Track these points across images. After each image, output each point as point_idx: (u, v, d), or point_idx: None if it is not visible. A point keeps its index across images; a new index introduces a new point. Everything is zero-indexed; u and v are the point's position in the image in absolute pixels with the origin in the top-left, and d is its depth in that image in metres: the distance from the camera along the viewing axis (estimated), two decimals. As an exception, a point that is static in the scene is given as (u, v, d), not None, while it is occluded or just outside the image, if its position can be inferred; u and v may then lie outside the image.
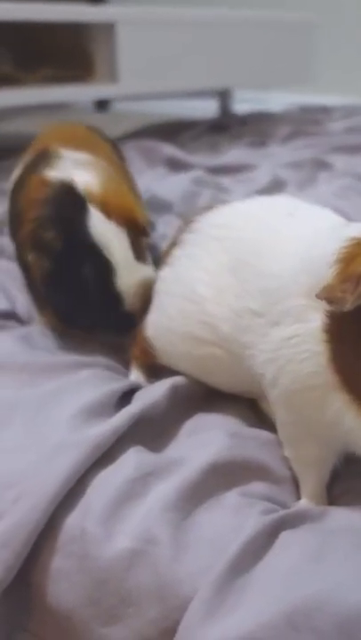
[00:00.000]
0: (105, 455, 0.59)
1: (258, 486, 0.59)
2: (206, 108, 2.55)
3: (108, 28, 1.69)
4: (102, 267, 0.77)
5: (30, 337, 0.82)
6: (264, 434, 0.64)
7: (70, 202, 0.79)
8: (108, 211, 0.78)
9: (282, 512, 0.54)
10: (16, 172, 0.94)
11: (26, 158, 0.93)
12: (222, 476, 0.58)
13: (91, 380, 0.71)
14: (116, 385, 0.70)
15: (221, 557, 0.50)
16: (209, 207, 0.73)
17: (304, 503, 0.58)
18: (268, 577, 0.48)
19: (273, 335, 0.57)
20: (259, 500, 0.56)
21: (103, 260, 0.77)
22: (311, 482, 0.59)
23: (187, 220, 0.74)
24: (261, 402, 0.68)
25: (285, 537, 0.51)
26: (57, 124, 0.99)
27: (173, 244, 0.73)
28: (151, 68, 1.79)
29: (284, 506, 0.57)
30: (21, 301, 0.90)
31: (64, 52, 1.77)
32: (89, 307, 0.78)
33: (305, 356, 0.54)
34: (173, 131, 2.07)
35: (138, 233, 0.80)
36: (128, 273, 0.77)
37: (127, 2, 3.10)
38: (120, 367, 0.77)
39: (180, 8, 2.05)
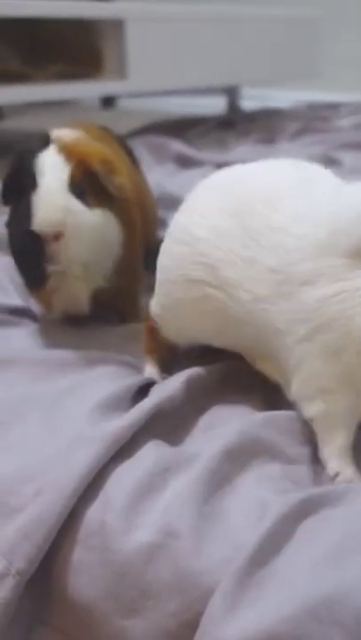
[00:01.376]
0: (123, 449, 0.59)
1: (273, 468, 0.59)
2: (213, 105, 2.55)
3: (117, 25, 1.69)
4: (30, 190, 0.75)
5: (45, 333, 0.82)
6: (277, 417, 0.64)
7: (35, 143, 0.78)
8: (65, 150, 0.77)
9: (302, 496, 0.54)
10: None
11: None
12: (237, 463, 0.58)
13: (106, 375, 0.71)
14: (131, 380, 0.70)
15: (242, 549, 0.50)
16: None
17: (333, 464, 0.59)
18: (289, 569, 0.48)
19: (304, 295, 0.59)
20: (277, 482, 0.57)
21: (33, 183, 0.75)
22: (339, 438, 0.60)
23: None
24: (256, 362, 0.68)
25: (307, 526, 0.51)
26: (70, 123, 0.99)
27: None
28: (160, 64, 1.79)
29: (300, 484, 0.57)
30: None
31: (73, 48, 1.77)
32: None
33: (355, 311, 0.56)
34: (181, 127, 2.07)
35: (96, 179, 0.76)
36: (48, 208, 0.73)
37: (134, -1, 3.09)
38: (135, 362, 0.77)
39: (189, 5, 2.05)
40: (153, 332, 0.74)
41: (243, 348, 0.69)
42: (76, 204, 0.75)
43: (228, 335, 0.68)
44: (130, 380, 0.70)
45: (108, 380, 0.70)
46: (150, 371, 0.74)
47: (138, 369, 0.76)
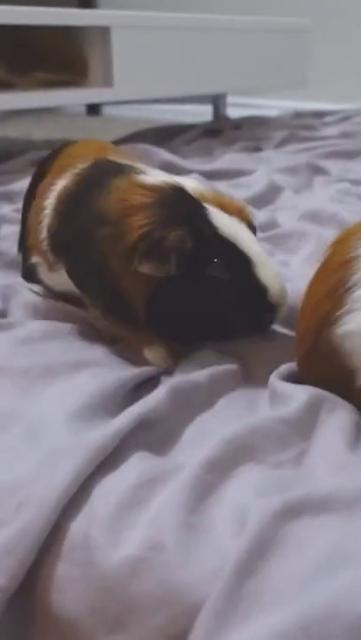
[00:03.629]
0: (107, 460, 0.58)
1: (258, 474, 0.58)
2: (200, 113, 2.55)
3: (102, 33, 1.69)
4: (238, 261, 0.73)
5: (30, 338, 0.80)
6: (262, 422, 0.63)
7: (187, 201, 0.74)
8: (224, 208, 0.75)
9: (284, 498, 0.53)
10: (60, 184, 0.85)
11: (70, 170, 0.85)
12: (221, 472, 0.57)
13: (92, 378, 0.70)
14: (123, 377, 0.69)
15: (229, 559, 0.49)
16: None
17: None
18: (278, 581, 0.47)
19: None
20: (262, 488, 0.56)
21: (238, 254, 0.73)
22: None
23: None
24: None
25: (293, 532, 0.51)
26: (80, 141, 0.97)
27: None
28: (146, 72, 1.79)
29: (285, 488, 0.56)
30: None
31: (58, 56, 1.77)
32: (222, 309, 0.73)
33: None
34: (166, 135, 2.06)
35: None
36: (267, 263, 0.74)
37: (118, 6, 3.09)
38: (127, 364, 0.75)
39: (176, 13, 2.05)
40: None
41: None
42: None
43: None
44: (121, 378, 0.69)
45: (93, 382, 0.69)
46: None
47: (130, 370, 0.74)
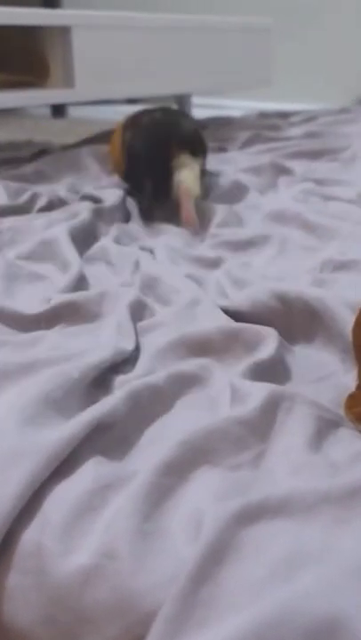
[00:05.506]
0: (61, 465, 0.57)
1: (214, 477, 0.57)
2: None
3: (63, 32, 1.67)
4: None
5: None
6: (219, 423, 0.62)
7: None
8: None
9: (241, 502, 0.52)
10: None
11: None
12: (177, 475, 0.56)
13: (44, 379, 0.68)
14: (78, 377, 0.68)
15: (184, 566, 0.48)
16: None
17: None
18: (234, 587, 0.46)
19: None
20: (218, 491, 0.55)
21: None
22: None
23: None
24: None
25: (250, 536, 0.50)
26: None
27: None
28: (108, 73, 1.78)
29: (242, 490, 0.56)
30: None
31: (18, 56, 1.75)
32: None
33: None
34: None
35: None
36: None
37: (82, 6, 3.06)
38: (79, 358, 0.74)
39: (137, 13, 2.03)
40: None
41: None
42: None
43: None
44: (76, 378, 0.68)
45: (51, 376, 0.67)
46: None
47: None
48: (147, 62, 1.90)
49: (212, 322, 0.82)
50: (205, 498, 0.54)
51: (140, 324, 0.84)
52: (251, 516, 0.51)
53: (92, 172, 1.59)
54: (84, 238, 1.16)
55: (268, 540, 0.50)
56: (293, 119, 2.29)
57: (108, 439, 0.62)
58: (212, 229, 1.22)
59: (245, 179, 1.52)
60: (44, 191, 1.38)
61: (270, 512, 0.52)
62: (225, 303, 0.88)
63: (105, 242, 1.14)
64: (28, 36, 1.72)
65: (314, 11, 3.05)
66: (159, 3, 3.17)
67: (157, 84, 1.97)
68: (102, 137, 1.94)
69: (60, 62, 1.68)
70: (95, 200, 1.35)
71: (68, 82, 1.68)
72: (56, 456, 0.56)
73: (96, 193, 1.36)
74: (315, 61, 3.07)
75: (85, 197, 1.36)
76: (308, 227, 1.20)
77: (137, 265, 1.04)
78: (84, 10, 2.09)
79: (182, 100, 2.46)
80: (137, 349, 0.79)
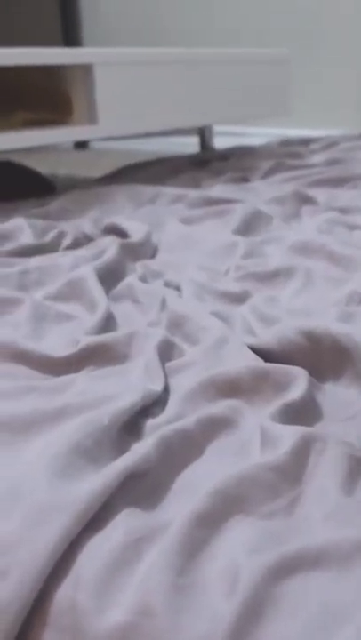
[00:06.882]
0: (93, 518, 0.56)
1: (248, 527, 0.56)
2: (187, 143, 2.56)
3: (85, 70, 1.69)
4: None
5: (13, 374, 0.79)
6: (251, 470, 0.61)
7: None
8: None
9: (277, 555, 0.51)
10: None
11: None
12: (210, 526, 0.56)
13: (74, 427, 0.68)
14: (108, 424, 0.68)
15: (220, 622, 0.47)
16: None
17: None
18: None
19: None
20: (252, 542, 0.54)
21: None
22: None
23: None
24: None
25: (286, 591, 0.49)
26: None
27: None
28: (130, 108, 1.79)
29: (277, 540, 0.55)
30: None
31: (41, 95, 1.77)
32: None
33: None
34: (153, 168, 2.06)
35: None
36: None
37: (102, 42, 3.11)
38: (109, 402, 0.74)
39: (157, 48, 2.05)
40: None
41: None
42: None
43: None
44: (106, 425, 0.68)
45: (81, 424, 0.67)
46: None
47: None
48: (169, 96, 1.91)
49: (241, 361, 0.82)
50: (240, 550, 0.53)
51: (169, 365, 0.84)
52: (287, 568, 0.51)
53: (123, 207, 1.60)
54: (110, 276, 1.17)
55: (305, 593, 0.49)
56: (314, 146, 2.30)
57: (139, 488, 0.61)
58: (237, 261, 1.22)
59: (269, 209, 1.52)
60: (69, 227, 1.39)
61: (306, 564, 0.51)
62: (252, 341, 0.88)
63: (131, 279, 1.14)
64: (51, 75, 1.74)
65: (330, 38, 3.08)
66: (178, 37, 3.20)
67: (180, 117, 1.98)
68: (127, 170, 1.96)
69: (84, 99, 1.70)
70: (120, 233, 1.35)
71: (92, 118, 1.70)
72: (89, 509, 0.56)
73: (120, 224, 1.36)
74: (333, 87, 3.08)
75: (108, 230, 1.37)
76: (334, 258, 1.19)
77: (163, 303, 1.04)
78: (105, 47, 2.12)
79: (204, 129, 2.47)
80: (166, 390, 0.79)
